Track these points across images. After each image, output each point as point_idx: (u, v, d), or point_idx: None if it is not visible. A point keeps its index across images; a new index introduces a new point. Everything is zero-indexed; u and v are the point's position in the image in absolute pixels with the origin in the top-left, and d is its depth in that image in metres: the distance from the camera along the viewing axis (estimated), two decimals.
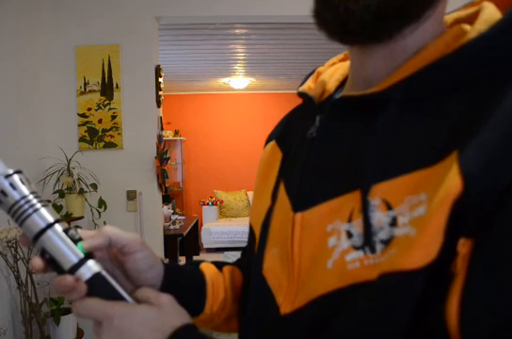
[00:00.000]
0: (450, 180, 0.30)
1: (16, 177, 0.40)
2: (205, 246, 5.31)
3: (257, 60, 4.41)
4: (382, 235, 0.34)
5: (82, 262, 0.40)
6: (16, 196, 0.39)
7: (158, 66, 2.45)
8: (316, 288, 0.38)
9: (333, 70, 0.51)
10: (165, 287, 0.48)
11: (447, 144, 0.32)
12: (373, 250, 0.34)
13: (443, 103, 0.35)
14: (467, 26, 0.37)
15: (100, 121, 2.38)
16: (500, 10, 0.37)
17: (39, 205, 0.40)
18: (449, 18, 0.42)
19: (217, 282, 0.55)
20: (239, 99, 6.12)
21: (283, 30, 3.35)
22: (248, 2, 2.43)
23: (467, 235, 0.29)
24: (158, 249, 2.50)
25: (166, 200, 2.98)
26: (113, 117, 2.37)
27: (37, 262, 0.40)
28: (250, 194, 5.88)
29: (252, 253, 0.51)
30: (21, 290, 1.87)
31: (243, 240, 5.11)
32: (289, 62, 4.47)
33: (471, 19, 0.39)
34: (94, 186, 2.23)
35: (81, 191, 2.18)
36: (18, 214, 0.40)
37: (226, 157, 6.11)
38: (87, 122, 2.37)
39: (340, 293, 0.36)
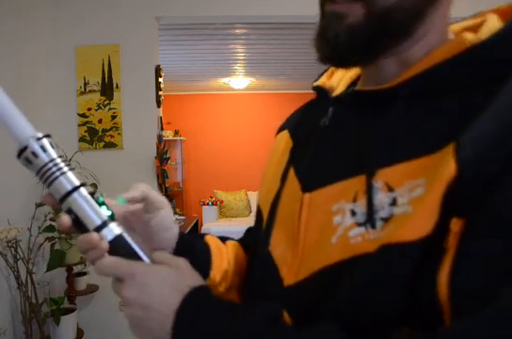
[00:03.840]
0: (446, 165, 0.34)
1: (46, 140, 0.42)
2: None
3: (257, 60, 4.41)
4: (383, 214, 0.38)
5: (105, 223, 0.43)
6: (45, 158, 0.41)
7: (158, 66, 2.44)
8: (320, 261, 0.41)
9: None
10: (176, 252, 0.52)
11: (447, 136, 0.36)
12: (373, 226, 0.38)
13: (446, 101, 0.39)
14: (471, 34, 0.41)
15: (100, 121, 2.38)
16: (503, 21, 0.41)
17: (66, 169, 0.43)
18: (457, 26, 0.47)
19: (221, 254, 0.59)
20: (239, 99, 6.12)
21: (283, 30, 3.35)
22: (248, 2, 2.43)
23: (459, 215, 0.33)
24: None
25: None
26: (113, 117, 2.37)
27: (65, 219, 0.43)
28: (250, 194, 5.88)
29: (258, 232, 0.54)
30: (21, 290, 1.87)
31: None
32: (289, 62, 4.46)
33: (476, 28, 0.42)
34: (94, 186, 2.23)
35: None
36: (47, 175, 0.42)
37: (226, 157, 6.11)
38: (87, 122, 2.37)
39: (341, 264, 0.39)
